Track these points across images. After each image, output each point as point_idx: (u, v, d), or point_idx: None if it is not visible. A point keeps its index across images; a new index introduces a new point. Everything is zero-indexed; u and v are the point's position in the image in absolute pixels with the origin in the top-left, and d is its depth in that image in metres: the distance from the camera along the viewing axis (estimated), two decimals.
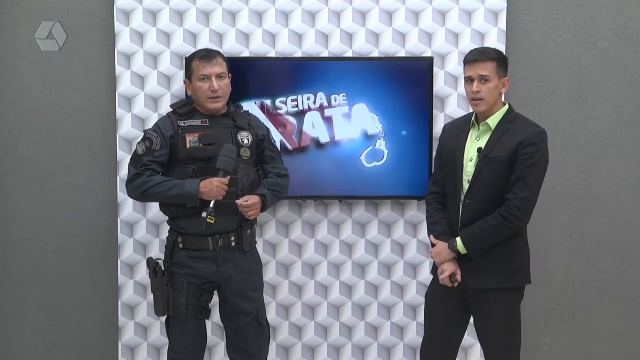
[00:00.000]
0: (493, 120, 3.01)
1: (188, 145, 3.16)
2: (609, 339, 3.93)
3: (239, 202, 3.15)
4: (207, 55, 3.20)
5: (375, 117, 3.70)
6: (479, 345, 3.46)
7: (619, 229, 3.89)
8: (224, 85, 3.20)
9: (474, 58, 3.01)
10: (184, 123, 3.19)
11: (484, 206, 2.97)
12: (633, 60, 3.82)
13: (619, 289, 3.91)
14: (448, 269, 3.03)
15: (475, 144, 3.05)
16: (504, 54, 3.13)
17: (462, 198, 3.05)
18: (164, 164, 3.17)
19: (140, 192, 3.14)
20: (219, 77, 3.18)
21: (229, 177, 3.11)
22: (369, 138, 3.71)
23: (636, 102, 3.84)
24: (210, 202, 3.07)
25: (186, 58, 3.33)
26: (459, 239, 3.01)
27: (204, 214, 3.04)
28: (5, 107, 3.84)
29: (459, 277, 3.03)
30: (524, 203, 2.91)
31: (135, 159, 3.18)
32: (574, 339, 3.93)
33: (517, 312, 3.09)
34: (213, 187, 3.07)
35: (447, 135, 3.20)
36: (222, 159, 3.09)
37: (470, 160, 3.04)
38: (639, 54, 3.82)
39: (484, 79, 2.99)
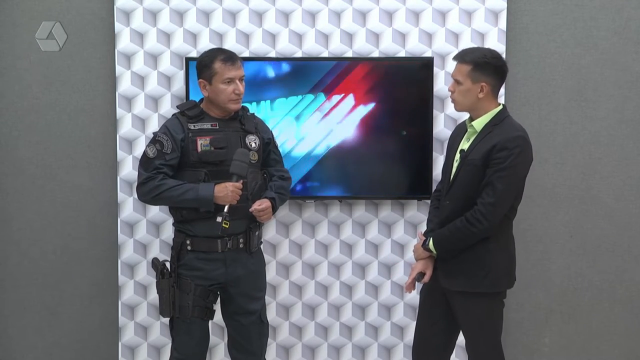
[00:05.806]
0: (479, 123, 2.97)
1: (199, 149, 3.14)
2: (609, 339, 3.93)
3: (254, 207, 3.15)
4: (231, 57, 3.17)
5: (376, 117, 3.70)
6: None
7: (619, 229, 3.89)
8: (243, 88, 3.20)
9: (454, 58, 3.00)
10: (194, 126, 3.16)
11: (458, 208, 2.96)
12: (633, 60, 3.82)
13: (619, 289, 3.91)
14: (416, 267, 3.09)
15: (463, 145, 3.04)
16: (490, 57, 2.94)
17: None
18: (174, 167, 3.15)
19: (152, 195, 3.11)
20: (241, 79, 3.18)
21: (242, 182, 3.10)
22: (368, 138, 3.71)
23: (636, 102, 3.84)
24: (223, 206, 3.06)
25: (201, 58, 3.21)
26: (431, 239, 3.03)
27: (219, 219, 3.02)
28: (5, 107, 3.84)
29: (426, 277, 3.07)
30: (488, 208, 2.87)
31: (146, 162, 3.13)
32: (574, 339, 3.93)
33: (490, 317, 3.03)
34: (228, 192, 3.06)
35: (452, 135, 3.21)
36: (236, 163, 3.08)
37: (456, 162, 3.04)
38: (639, 54, 3.82)
39: (456, 81, 2.97)
